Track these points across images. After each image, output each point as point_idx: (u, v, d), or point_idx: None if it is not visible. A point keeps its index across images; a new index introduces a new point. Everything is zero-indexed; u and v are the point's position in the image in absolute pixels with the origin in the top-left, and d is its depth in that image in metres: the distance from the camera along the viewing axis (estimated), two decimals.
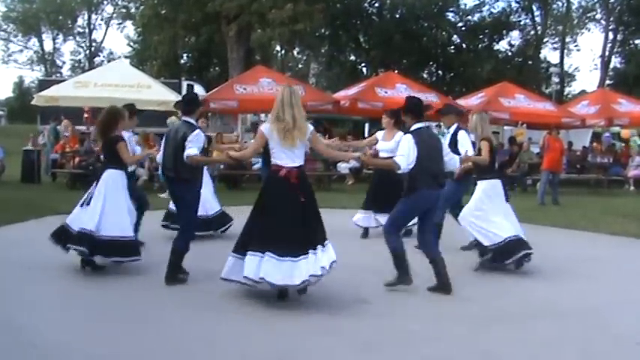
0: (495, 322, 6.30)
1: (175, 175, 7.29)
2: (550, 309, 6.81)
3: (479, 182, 8.60)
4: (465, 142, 8.90)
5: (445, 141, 9.32)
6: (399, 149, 7.19)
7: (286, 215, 6.41)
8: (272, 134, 6.50)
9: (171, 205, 9.31)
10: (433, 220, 7.62)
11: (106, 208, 7.69)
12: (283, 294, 6.65)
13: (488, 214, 8.37)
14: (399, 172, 7.19)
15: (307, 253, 6.39)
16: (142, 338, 5.60)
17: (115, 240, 7.63)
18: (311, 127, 6.61)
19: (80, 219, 7.75)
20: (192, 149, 7.08)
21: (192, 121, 7.39)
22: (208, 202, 9.94)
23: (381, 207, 9.92)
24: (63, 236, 7.82)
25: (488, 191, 8.44)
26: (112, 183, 7.84)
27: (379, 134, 10.46)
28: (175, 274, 7.32)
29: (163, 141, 7.50)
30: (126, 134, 8.46)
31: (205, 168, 9.16)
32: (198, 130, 7.25)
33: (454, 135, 9.02)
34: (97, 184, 7.88)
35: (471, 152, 8.58)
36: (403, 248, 7.27)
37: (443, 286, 7.23)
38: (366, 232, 10.69)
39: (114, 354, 5.20)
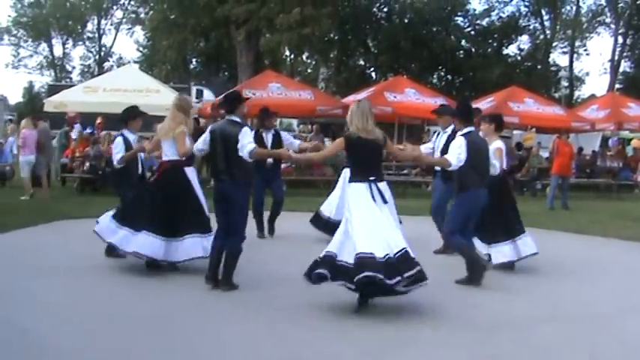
0: (503, 327, 6.29)
1: (229, 177, 7.26)
2: (558, 314, 6.79)
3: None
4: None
5: (440, 142, 9.40)
6: (452, 148, 7.71)
7: None
8: None
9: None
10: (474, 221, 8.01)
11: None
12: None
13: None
14: (450, 169, 7.76)
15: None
16: (149, 341, 5.61)
17: None
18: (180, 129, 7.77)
19: None
20: (250, 144, 7.17)
21: (236, 119, 7.42)
22: None
23: None
24: None
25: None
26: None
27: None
28: (231, 278, 7.32)
29: (208, 143, 7.46)
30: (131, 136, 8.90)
31: None
32: (246, 127, 7.35)
33: (451, 136, 8.93)
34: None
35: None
36: (469, 245, 7.78)
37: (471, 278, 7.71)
38: None
39: (122, 357, 5.22)
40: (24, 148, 15.32)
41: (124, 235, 7.97)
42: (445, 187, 9.33)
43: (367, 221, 6.48)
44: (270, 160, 10.55)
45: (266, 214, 10.95)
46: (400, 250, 6.36)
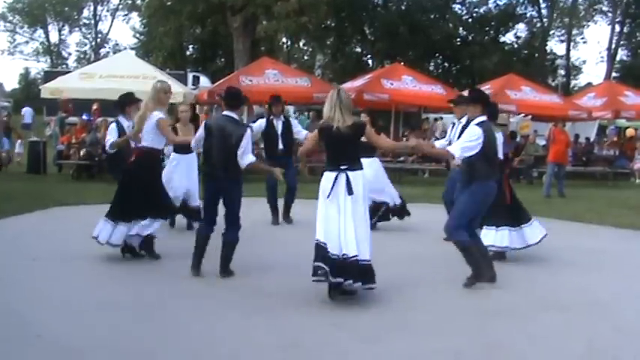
0: (502, 314, 6.30)
1: (225, 173, 7.28)
2: (556, 301, 6.80)
3: None
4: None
5: (456, 133, 9.14)
6: (465, 137, 7.15)
7: None
8: None
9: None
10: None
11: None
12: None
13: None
14: (454, 161, 7.32)
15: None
16: (143, 328, 5.61)
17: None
18: (155, 118, 7.82)
19: None
20: (251, 156, 7.29)
21: (235, 116, 7.42)
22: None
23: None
24: None
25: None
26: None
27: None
28: (229, 266, 7.43)
29: (203, 136, 7.42)
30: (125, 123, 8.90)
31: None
32: (248, 131, 7.35)
33: (465, 126, 8.82)
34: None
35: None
36: (471, 242, 7.17)
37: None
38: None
39: (116, 346, 5.19)
40: None
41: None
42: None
43: (322, 214, 6.58)
44: (281, 147, 10.62)
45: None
46: (353, 257, 6.40)
